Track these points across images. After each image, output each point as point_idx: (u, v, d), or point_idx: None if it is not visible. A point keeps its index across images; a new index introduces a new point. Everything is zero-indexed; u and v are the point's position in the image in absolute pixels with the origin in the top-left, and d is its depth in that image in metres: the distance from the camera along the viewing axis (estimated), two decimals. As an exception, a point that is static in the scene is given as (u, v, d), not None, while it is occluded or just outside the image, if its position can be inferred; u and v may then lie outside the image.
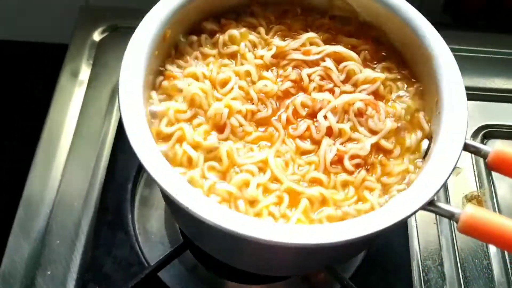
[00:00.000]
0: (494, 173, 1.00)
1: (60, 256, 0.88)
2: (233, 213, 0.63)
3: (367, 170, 0.72)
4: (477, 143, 0.69)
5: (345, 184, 0.71)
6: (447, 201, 0.97)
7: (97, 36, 1.14)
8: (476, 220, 0.63)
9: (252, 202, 0.68)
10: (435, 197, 0.64)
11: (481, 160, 1.01)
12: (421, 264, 0.91)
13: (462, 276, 0.90)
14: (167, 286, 0.86)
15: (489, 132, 1.06)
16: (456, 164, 0.66)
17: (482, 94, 1.11)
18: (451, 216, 0.64)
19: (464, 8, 1.25)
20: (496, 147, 0.67)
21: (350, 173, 0.71)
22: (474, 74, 1.13)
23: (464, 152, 0.97)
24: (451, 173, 0.65)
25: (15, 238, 0.89)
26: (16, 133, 1.36)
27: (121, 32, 1.14)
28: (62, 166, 0.97)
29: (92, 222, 0.92)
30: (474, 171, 1.01)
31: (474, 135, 1.05)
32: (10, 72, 1.38)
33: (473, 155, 1.00)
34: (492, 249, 0.92)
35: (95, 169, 0.97)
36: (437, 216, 0.94)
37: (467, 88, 1.03)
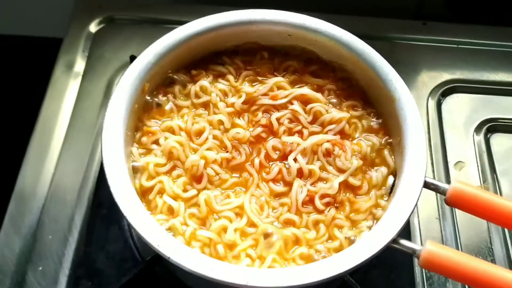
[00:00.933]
0: (498, 169, 1.01)
1: (52, 252, 0.88)
2: (211, 261, 0.68)
3: (337, 208, 0.77)
4: (435, 181, 0.74)
5: (316, 223, 0.76)
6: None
7: (93, 27, 1.13)
8: (435, 256, 0.68)
9: (230, 246, 0.73)
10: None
11: (484, 154, 1.02)
12: None
13: None
14: (163, 280, 0.86)
15: (493, 126, 1.06)
16: (417, 202, 0.71)
17: (486, 88, 1.11)
18: (412, 252, 0.70)
19: (466, 2, 1.26)
20: (453, 184, 0.72)
21: (321, 212, 0.76)
22: (477, 67, 1.13)
23: (468, 144, 1.02)
24: (412, 211, 0.70)
25: (6, 233, 0.89)
26: (9, 126, 1.32)
27: (117, 24, 1.13)
28: (55, 159, 0.96)
29: (85, 217, 0.91)
30: (478, 166, 1.01)
31: (478, 129, 1.05)
32: (3, 66, 1.35)
33: (477, 149, 1.02)
34: (496, 247, 0.93)
35: (89, 163, 0.97)
36: (440, 211, 0.95)
37: (471, 82, 1.05)
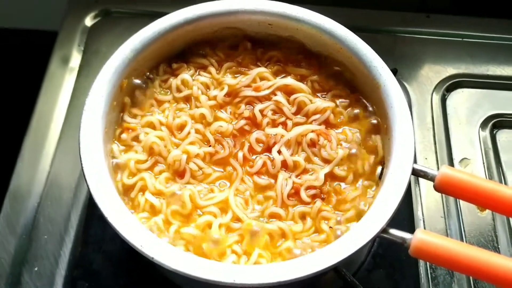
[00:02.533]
0: (504, 165, 0.99)
1: (48, 252, 0.86)
2: (196, 259, 0.66)
3: (323, 199, 0.75)
4: (424, 167, 0.72)
5: (302, 216, 0.74)
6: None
7: (88, 21, 1.11)
8: (426, 244, 0.66)
9: (215, 242, 0.71)
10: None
11: (490, 151, 1.00)
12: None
13: None
14: (166, 279, 0.83)
15: (499, 122, 1.03)
16: (405, 190, 0.69)
17: (492, 82, 1.08)
18: (403, 242, 0.68)
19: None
20: (442, 170, 0.71)
21: (307, 204, 0.75)
22: (483, 61, 1.11)
23: (474, 141, 1.00)
24: (401, 200, 0.69)
25: (0, 233, 0.87)
26: (2, 123, 1.28)
27: (113, 17, 1.11)
28: (51, 157, 0.95)
29: (82, 216, 0.90)
30: (484, 163, 0.99)
31: (483, 125, 1.03)
32: None
33: (482, 146, 1.00)
34: (503, 244, 0.91)
35: None
36: (445, 210, 0.94)
37: (476, 76, 1.03)
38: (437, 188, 0.71)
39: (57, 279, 0.85)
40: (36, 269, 0.85)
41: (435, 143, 1.01)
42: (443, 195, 0.95)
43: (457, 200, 0.95)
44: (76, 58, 1.06)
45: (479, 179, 0.71)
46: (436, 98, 1.06)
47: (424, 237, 0.66)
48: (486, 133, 1.02)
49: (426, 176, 0.72)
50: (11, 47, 1.32)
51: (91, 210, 0.90)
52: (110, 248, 0.87)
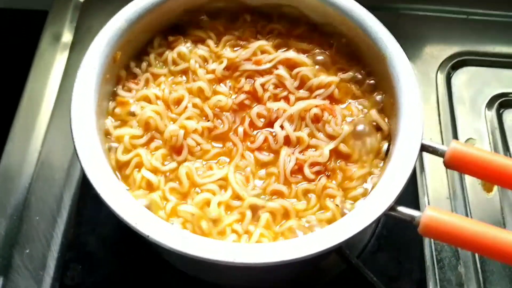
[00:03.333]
0: (511, 145, 0.96)
1: (40, 234, 0.84)
2: (194, 237, 0.63)
3: (328, 176, 0.72)
4: (433, 143, 0.69)
5: (306, 193, 0.71)
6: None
7: None
8: (435, 222, 0.63)
9: (215, 221, 0.68)
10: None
11: (497, 131, 0.97)
12: (434, 242, 0.87)
13: (478, 254, 0.86)
14: (163, 261, 0.82)
15: (506, 101, 1.01)
16: (413, 166, 0.66)
17: (498, 61, 1.05)
18: (411, 220, 0.65)
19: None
20: (452, 145, 0.67)
21: (311, 181, 0.71)
22: (489, 39, 1.07)
23: (480, 120, 0.97)
24: (409, 177, 0.65)
25: None
26: None
27: None
28: (42, 136, 0.92)
29: (74, 197, 0.87)
30: (490, 143, 0.96)
31: (489, 104, 1.00)
32: None
33: (488, 125, 0.97)
34: (509, 224, 0.88)
35: None
36: (451, 191, 0.91)
37: (482, 54, 1.00)
38: (446, 164, 0.68)
39: (50, 261, 0.82)
40: (27, 251, 0.83)
41: (440, 123, 0.98)
42: (448, 176, 0.93)
43: (463, 181, 0.93)
44: (68, 35, 1.03)
45: (490, 154, 0.69)
46: (441, 77, 1.02)
47: (434, 214, 0.63)
48: (492, 112, 0.99)
49: (435, 152, 0.69)
50: (2, 26, 1.27)
51: (85, 190, 0.87)
52: (105, 229, 0.85)
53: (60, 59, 1.00)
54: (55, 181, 0.88)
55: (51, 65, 0.99)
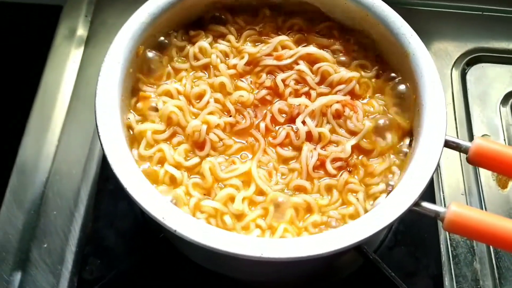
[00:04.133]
0: None
1: (58, 228, 0.84)
2: (220, 232, 0.63)
3: (350, 172, 0.72)
4: (457, 139, 0.69)
5: (328, 188, 0.71)
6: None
7: None
8: (460, 218, 0.63)
9: (238, 216, 0.68)
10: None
11: (511, 127, 0.98)
12: (449, 238, 0.88)
13: (493, 250, 0.88)
14: (174, 258, 0.82)
15: None
16: (438, 161, 0.66)
17: None
18: (436, 215, 0.65)
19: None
20: (476, 141, 0.68)
21: (333, 176, 0.71)
22: (504, 35, 1.08)
23: (494, 118, 0.98)
24: (433, 173, 0.66)
25: (8, 208, 0.85)
26: (9, 96, 1.20)
27: None
28: (58, 131, 0.92)
29: (92, 192, 0.87)
30: (505, 139, 0.97)
31: (504, 100, 1.01)
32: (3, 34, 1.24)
33: (503, 121, 0.98)
34: None
35: (95, 135, 0.91)
36: (466, 187, 0.92)
37: (497, 51, 1.01)
38: (470, 160, 0.68)
39: (67, 255, 0.83)
40: (45, 245, 0.83)
41: (455, 119, 0.98)
42: (464, 172, 0.93)
43: (478, 177, 0.93)
44: (83, 29, 1.03)
45: (514, 149, 0.68)
46: (456, 74, 1.03)
47: (460, 210, 0.64)
48: (507, 109, 1.00)
49: (458, 148, 0.69)
50: (18, 21, 1.25)
51: (102, 185, 0.88)
52: (122, 224, 0.85)
53: (75, 54, 1.00)
54: (72, 176, 0.88)
55: (66, 59, 0.99)
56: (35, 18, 1.17)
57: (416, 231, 0.88)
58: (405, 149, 0.73)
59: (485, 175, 0.93)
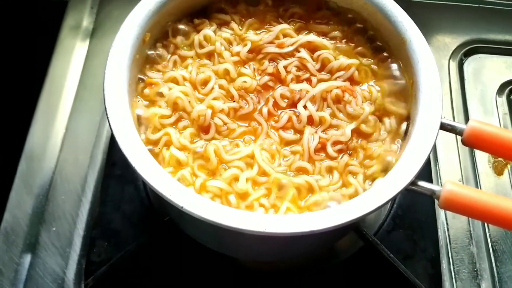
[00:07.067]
0: None
1: (66, 212, 0.86)
2: (226, 209, 0.65)
3: (350, 155, 0.74)
4: (452, 122, 0.71)
5: (329, 170, 0.74)
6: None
7: None
8: (456, 195, 0.66)
9: (242, 196, 0.71)
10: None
11: (507, 116, 1.01)
12: (447, 222, 0.91)
13: (489, 234, 0.90)
14: (186, 237, 0.82)
15: None
16: (434, 142, 0.69)
17: (509, 49, 1.09)
18: (432, 194, 0.67)
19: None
20: (470, 123, 0.70)
21: (334, 158, 0.74)
22: (500, 27, 1.10)
23: (491, 107, 1.01)
24: (430, 153, 0.68)
25: (17, 193, 0.87)
26: (17, 87, 1.22)
27: None
28: (66, 118, 0.94)
29: (99, 177, 0.90)
30: (500, 125, 0.99)
31: (500, 90, 1.03)
32: (9, 27, 1.25)
33: (499, 111, 1.00)
34: None
35: (102, 122, 0.94)
36: (463, 174, 0.94)
37: (493, 42, 1.04)
38: (465, 142, 0.71)
39: (76, 238, 0.85)
40: (54, 229, 0.85)
41: (452, 109, 1.01)
42: (460, 159, 0.95)
43: (475, 164, 0.95)
44: (88, 21, 1.05)
45: (508, 131, 0.71)
46: (453, 65, 1.05)
47: (455, 188, 0.66)
48: (503, 98, 1.02)
49: (454, 130, 0.72)
50: (24, 14, 1.27)
51: (108, 171, 0.90)
52: (129, 207, 0.87)
53: (82, 45, 1.03)
54: (80, 162, 0.91)
55: (72, 50, 1.02)
56: (41, 10, 1.19)
57: (414, 215, 0.91)
58: (402, 133, 0.76)
59: (482, 162, 0.96)
